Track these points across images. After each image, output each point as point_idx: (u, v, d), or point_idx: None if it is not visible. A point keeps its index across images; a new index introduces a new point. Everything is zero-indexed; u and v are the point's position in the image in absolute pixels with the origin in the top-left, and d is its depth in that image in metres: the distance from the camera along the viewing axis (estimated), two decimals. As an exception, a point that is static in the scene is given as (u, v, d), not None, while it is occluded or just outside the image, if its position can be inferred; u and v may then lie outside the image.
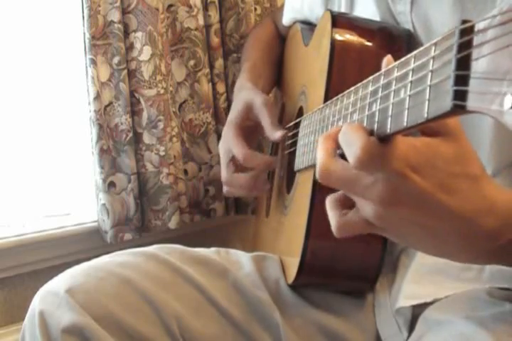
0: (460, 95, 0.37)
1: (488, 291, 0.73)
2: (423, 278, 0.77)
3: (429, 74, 0.41)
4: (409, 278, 0.78)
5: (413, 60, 0.44)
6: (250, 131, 1.03)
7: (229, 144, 1.00)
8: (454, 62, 0.37)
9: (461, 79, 0.37)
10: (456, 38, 0.37)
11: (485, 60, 0.35)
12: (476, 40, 0.36)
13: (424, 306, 0.76)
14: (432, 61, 0.41)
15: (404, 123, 0.44)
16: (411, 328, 0.77)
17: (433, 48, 0.41)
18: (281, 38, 1.23)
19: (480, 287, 0.74)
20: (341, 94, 0.62)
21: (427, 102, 0.41)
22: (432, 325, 0.72)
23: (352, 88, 0.58)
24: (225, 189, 1.04)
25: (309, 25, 1.06)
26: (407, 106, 0.43)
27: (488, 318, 0.68)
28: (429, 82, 0.41)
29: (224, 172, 1.02)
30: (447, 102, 0.38)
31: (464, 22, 0.37)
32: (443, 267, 0.77)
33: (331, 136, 0.53)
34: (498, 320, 0.67)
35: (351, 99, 0.57)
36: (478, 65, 0.36)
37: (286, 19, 1.15)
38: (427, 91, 0.41)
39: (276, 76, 1.20)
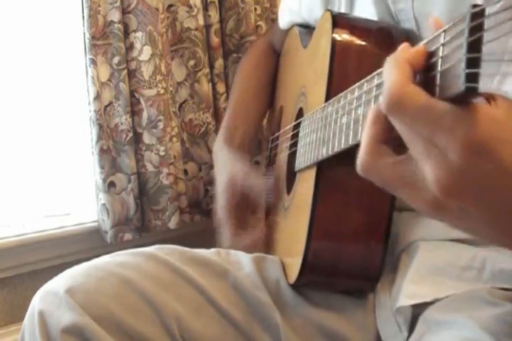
0: (472, 77, 0.37)
1: (489, 291, 0.73)
2: (423, 277, 0.77)
3: (439, 60, 0.41)
4: (409, 277, 0.78)
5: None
6: (241, 202, 1.04)
7: (220, 223, 1.03)
8: (466, 46, 0.38)
9: (473, 61, 0.37)
10: (467, 22, 0.38)
11: (493, 42, 0.35)
12: (487, 23, 0.37)
13: (424, 306, 0.75)
14: (441, 48, 0.41)
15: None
16: (411, 328, 0.76)
17: (442, 35, 0.42)
18: (274, 54, 1.22)
19: (480, 287, 0.74)
20: (345, 91, 0.62)
21: (437, 88, 0.41)
22: (432, 325, 0.72)
23: (356, 84, 0.57)
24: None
25: (307, 29, 1.06)
26: None
27: (488, 318, 0.68)
28: (439, 68, 0.41)
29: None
30: (459, 85, 0.38)
31: (475, 6, 0.38)
32: (443, 267, 0.77)
33: (409, 59, 0.44)
34: (499, 321, 0.67)
35: (355, 94, 0.57)
36: (486, 48, 0.36)
37: (283, 22, 1.14)
38: (437, 78, 0.41)
39: (266, 102, 1.19)
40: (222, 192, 1.04)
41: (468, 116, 0.40)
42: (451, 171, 0.41)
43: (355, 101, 0.57)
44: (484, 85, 0.36)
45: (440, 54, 0.41)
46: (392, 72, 0.43)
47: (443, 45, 0.41)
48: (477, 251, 0.76)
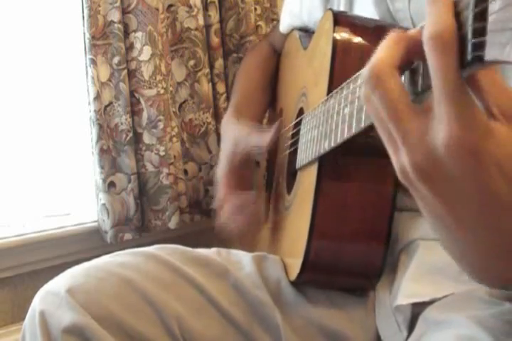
0: (478, 46, 0.37)
1: (488, 291, 0.73)
2: (423, 277, 0.77)
3: None
4: (408, 276, 0.78)
5: None
6: (242, 169, 1.04)
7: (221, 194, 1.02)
8: (472, 16, 0.38)
9: (479, 31, 0.37)
10: None
11: (500, 11, 0.36)
12: None
13: (423, 305, 0.75)
14: None
15: (419, 89, 0.44)
16: (411, 327, 0.77)
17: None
18: (275, 55, 1.22)
19: (479, 286, 0.74)
20: (346, 82, 0.62)
21: None
22: (431, 324, 0.72)
23: (358, 73, 0.57)
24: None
25: (307, 32, 1.06)
26: (421, 72, 0.43)
27: (487, 317, 0.68)
28: None
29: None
30: (467, 55, 0.38)
31: None
32: (442, 266, 0.77)
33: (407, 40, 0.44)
34: (498, 319, 0.67)
35: (358, 83, 0.57)
36: (495, 18, 0.36)
37: (283, 26, 1.15)
38: None
39: (267, 99, 1.19)
40: (225, 156, 1.04)
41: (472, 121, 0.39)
42: (432, 156, 0.41)
43: (358, 89, 0.57)
44: (498, 55, 0.36)
45: None
46: (383, 49, 0.43)
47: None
48: (477, 251, 0.76)
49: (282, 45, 1.18)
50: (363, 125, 0.57)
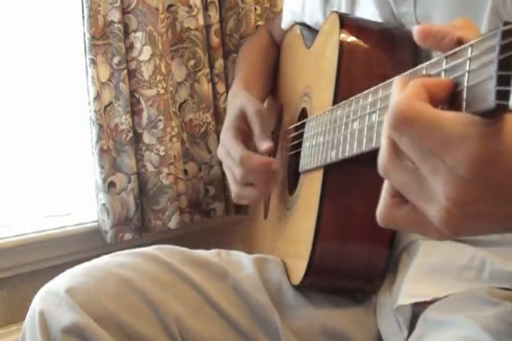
0: (503, 95, 0.38)
1: (489, 291, 0.73)
2: (423, 277, 0.78)
3: (466, 74, 0.41)
4: (409, 277, 0.78)
5: (445, 61, 0.44)
6: (247, 134, 1.02)
7: (227, 147, 0.99)
8: (497, 63, 0.38)
9: (504, 79, 0.38)
10: (498, 39, 0.38)
11: None
12: None
13: (424, 305, 0.76)
14: (468, 62, 0.41)
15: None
16: (411, 327, 0.77)
17: (469, 49, 0.42)
18: (275, 46, 1.22)
19: (480, 286, 0.74)
20: (357, 96, 0.62)
21: (464, 103, 0.41)
22: (432, 324, 0.72)
23: (371, 89, 0.57)
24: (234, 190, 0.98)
25: (309, 28, 1.05)
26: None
27: (488, 318, 0.68)
28: (465, 83, 0.41)
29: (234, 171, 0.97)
30: (490, 102, 0.38)
31: (506, 24, 0.38)
32: (443, 266, 0.77)
33: (426, 83, 0.43)
34: (499, 320, 0.67)
35: (369, 100, 0.57)
36: None
37: (285, 23, 1.15)
38: (464, 92, 0.41)
39: (271, 84, 1.19)
40: (231, 115, 1.04)
41: (476, 133, 0.40)
42: (461, 185, 0.41)
43: (368, 106, 0.57)
44: None
45: (467, 68, 0.41)
46: (401, 92, 0.42)
47: (470, 59, 0.41)
48: (476, 251, 0.76)
49: (282, 38, 1.18)
50: (374, 145, 0.57)
